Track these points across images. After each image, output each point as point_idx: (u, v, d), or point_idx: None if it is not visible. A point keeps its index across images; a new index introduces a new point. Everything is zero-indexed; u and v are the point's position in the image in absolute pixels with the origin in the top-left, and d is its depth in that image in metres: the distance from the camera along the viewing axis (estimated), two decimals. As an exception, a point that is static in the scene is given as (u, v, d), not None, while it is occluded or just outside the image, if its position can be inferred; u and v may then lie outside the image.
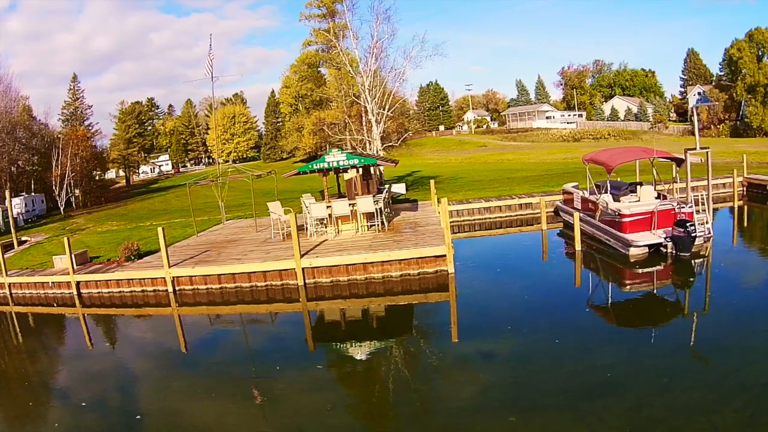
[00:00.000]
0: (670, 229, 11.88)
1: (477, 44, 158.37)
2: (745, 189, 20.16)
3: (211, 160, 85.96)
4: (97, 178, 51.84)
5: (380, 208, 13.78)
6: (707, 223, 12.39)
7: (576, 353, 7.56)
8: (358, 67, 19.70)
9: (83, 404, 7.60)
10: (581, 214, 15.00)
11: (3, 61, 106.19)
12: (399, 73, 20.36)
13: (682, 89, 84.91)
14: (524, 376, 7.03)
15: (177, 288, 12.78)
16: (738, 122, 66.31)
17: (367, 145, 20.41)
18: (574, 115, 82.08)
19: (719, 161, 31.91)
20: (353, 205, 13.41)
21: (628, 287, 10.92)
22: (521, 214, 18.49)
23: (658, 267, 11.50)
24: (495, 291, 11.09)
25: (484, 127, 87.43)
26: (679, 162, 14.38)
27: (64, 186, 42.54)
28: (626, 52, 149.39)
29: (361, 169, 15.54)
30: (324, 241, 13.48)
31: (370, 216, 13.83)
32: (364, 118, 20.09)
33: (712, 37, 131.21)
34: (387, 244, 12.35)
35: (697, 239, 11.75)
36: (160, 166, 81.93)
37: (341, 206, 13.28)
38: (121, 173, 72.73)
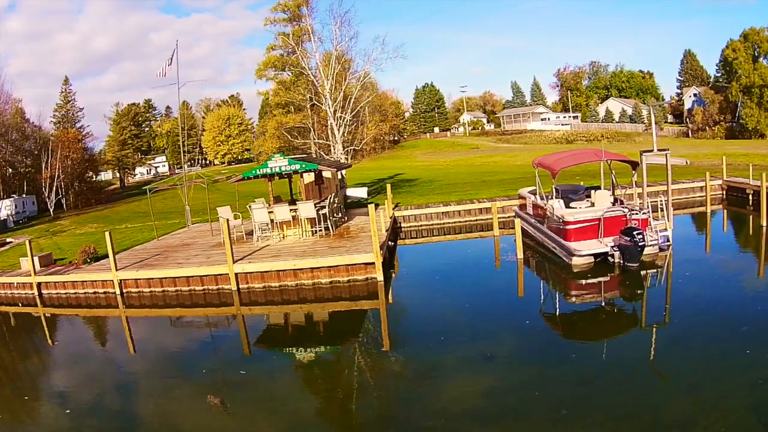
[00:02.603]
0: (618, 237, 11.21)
1: (477, 45, 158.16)
2: (724, 192, 19.56)
3: (207, 162, 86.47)
4: (89, 180, 52.19)
5: (324, 214, 13.77)
6: (667, 230, 11.86)
7: (494, 371, 7.22)
8: (319, 70, 19.77)
9: (26, 397, 8.04)
10: (533, 220, 14.81)
11: (2, 61, 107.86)
12: (360, 76, 20.38)
13: (679, 90, 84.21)
14: (428, 394, 6.74)
15: (124, 290, 12.96)
16: (734, 124, 65.64)
17: (332, 149, 20.45)
18: (569, 116, 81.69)
19: (706, 163, 31.58)
20: (295, 210, 13.41)
21: (570, 299, 10.39)
22: (481, 219, 18.36)
23: (603, 278, 10.81)
24: (434, 300, 10.85)
25: (480, 129, 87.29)
26: (635, 165, 13.83)
27: (54, 188, 43.03)
28: (626, 52, 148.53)
29: (313, 174, 15.55)
30: (266, 246, 13.52)
31: (314, 221, 13.83)
32: (329, 122, 20.12)
33: (712, 37, 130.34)
34: (321, 250, 12.36)
35: (648, 248, 11.14)
36: (156, 167, 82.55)
37: (282, 211, 13.30)
38: (117, 174, 73.29)
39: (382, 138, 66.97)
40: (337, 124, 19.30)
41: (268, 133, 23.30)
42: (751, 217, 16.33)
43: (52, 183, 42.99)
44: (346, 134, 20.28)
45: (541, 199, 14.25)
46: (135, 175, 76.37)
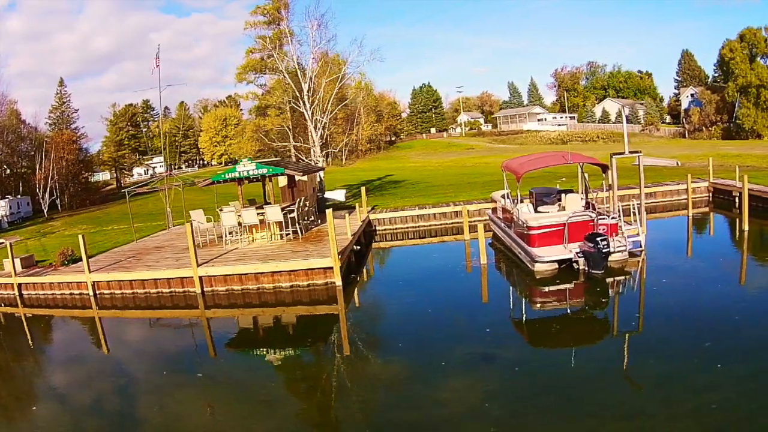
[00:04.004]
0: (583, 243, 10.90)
1: (478, 45, 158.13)
2: (710, 195, 19.29)
3: (204, 162, 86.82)
4: (84, 180, 52.56)
5: (293, 217, 13.90)
6: (639, 235, 11.56)
7: (444, 380, 7.04)
8: (297, 73, 19.90)
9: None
10: (503, 224, 14.76)
11: (2, 61, 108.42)
12: (339, 78, 20.48)
13: (676, 91, 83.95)
14: (373, 402, 6.74)
15: (97, 292, 13.16)
16: (731, 124, 65.37)
17: (311, 151, 20.59)
18: (566, 117, 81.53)
19: (697, 165, 31.48)
20: (262, 213, 13.56)
21: (534, 306, 10.13)
22: (456, 222, 18.32)
23: (567, 285, 10.47)
24: (396, 305, 10.84)
25: (477, 129, 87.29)
26: (605, 168, 13.41)
27: (48, 189, 43.42)
28: (627, 53, 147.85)
29: (286, 178, 15.69)
30: (234, 249, 13.67)
31: (282, 225, 13.95)
32: (309, 125, 20.25)
33: (712, 38, 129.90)
34: (284, 254, 12.49)
35: (617, 254, 10.90)
36: (153, 168, 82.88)
37: (250, 215, 13.45)
38: (115, 175, 73.70)
39: (378, 138, 67.10)
40: (315, 127, 19.44)
41: (246, 135, 23.50)
42: (737, 220, 15.58)
43: (45, 184, 43.40)
44: (325, 137, 20.38)
45: (510, 203, 14.13)
46: (132, 176, 76.80)
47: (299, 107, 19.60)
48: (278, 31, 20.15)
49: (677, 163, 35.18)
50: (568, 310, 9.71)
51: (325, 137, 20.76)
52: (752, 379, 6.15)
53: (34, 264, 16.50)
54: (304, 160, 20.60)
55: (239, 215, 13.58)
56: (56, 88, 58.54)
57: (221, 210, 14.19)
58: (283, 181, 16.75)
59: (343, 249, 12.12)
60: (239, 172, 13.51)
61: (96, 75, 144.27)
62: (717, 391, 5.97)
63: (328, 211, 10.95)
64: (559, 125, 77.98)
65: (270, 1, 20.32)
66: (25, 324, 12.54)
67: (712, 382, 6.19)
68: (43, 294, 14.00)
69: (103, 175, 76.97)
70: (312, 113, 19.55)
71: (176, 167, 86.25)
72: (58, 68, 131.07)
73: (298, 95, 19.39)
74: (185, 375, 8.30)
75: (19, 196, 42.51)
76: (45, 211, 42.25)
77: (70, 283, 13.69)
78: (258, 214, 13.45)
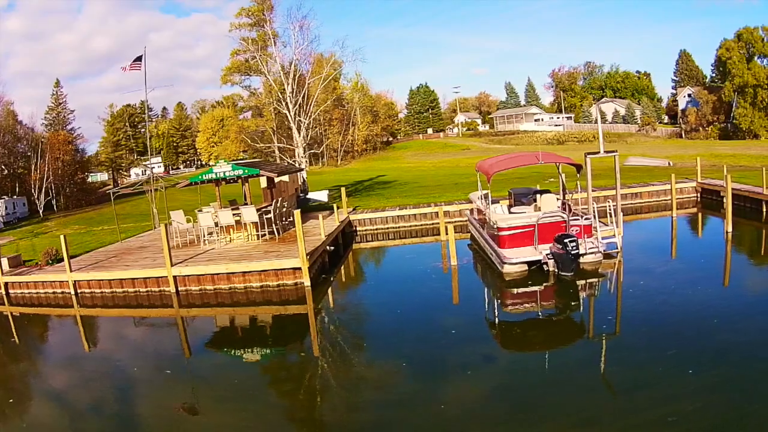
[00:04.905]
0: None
1: (479, 46, 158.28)
2: (699, 195, 19.20)
3: (201, 163, 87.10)
4: (80, 181, 52.85)
5: (270, 218, 14.07)
6: (614, 236, 11.49)
7: (401, 383, 7.05)
8: (281, 74, 20.09)
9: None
10: (477, 225, 14.83)
11: (1, 61, 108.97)
12: (321, 79, 20.67)
13: (674, 91, 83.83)
14: (337, 401, 6.83)
15: (78, 291, 13.38)
16: (728, 124, 65.28)
17: (296, 152, 20.74)
18: (562, 117, 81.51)
19: (689, 165, 31.50)
20: (238, 214, 13.74)
21: (504, 308, 10.07)
22: (436, 223, 18.41)
23: (537, 287, 10.35)
24: (366, 306, 10.95)
25: (474, 129, 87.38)
26: (579, 168, 13.15)
27: (43, 189, 43.75)
28: (627, 53, 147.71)
29: (266, 178, 15.87)
30: (211, 249, 13.85)
31: (259, 225, 14.13)
32: (293, 126, 20.43)
33: (710, 38, 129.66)
34: (257, 254, 12.65)
35: (590, 255, 10.88)
36: (152, 168, 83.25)
37: (225, 216, 13.63)
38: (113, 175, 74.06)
39: (374, 139, 67.26)
40: (297, 128, 19.61)
41: (231, 136, 23.68)
42: (724, 221, 14.93)
43: (41, 184, 43.74)
44: (308, 138, 20.53)
45: (483, 203, 14.09)
46: (129, 176, 77.15)
47: (282, 108, 19.77)
48: (262, 33, 20.35)
49: (669, 163, 35.23)
50: (539, 313, 9.65)
51: (308, 138, 20.92)
52: (725, 385, 6.09)
53: (21, 263, 16.74)
54: (287, 161, 20.80)
55: (216, 216, 13.77)
56: (52, 89, 58.87)
57: (199, 211, 14.37)
58: (263, 181, 16.92)
59: (314, 250, 12.28)
60: (216, 173, 13.70)
61: (96, 75, 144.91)
62: (689, 397, 5.84)
63: (296, 212, 11.10)
64: (556, 125, 78.00)
65: (255, 3, 20.54)
66: (11, 321, 12.76)
67: (682, 389, 6.05)
68: (28, 293, 14.26)
69: (101, 176, 77.32)
70: (295, 114, 19.75)
71: (174, 167, 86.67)
72: (57, 68, 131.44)
73: (281, 96, 19.56)
74: (158, 373, 8.44)
75: (15, 197, 42.84)
76: (40, 211, 42.58)
77: (53, 282, 13.95)
78: (234, 214, 13.64)
